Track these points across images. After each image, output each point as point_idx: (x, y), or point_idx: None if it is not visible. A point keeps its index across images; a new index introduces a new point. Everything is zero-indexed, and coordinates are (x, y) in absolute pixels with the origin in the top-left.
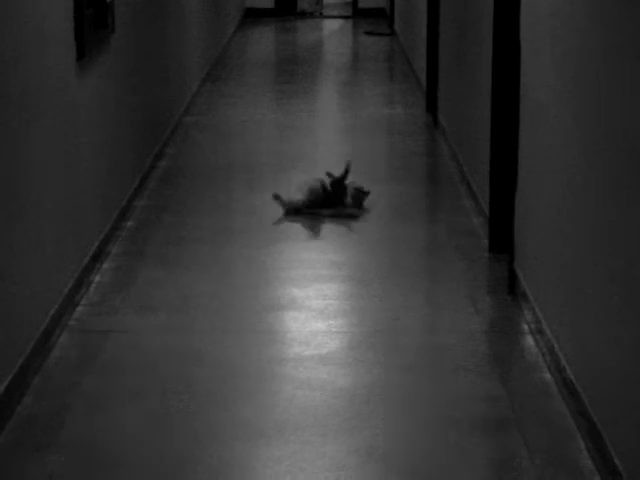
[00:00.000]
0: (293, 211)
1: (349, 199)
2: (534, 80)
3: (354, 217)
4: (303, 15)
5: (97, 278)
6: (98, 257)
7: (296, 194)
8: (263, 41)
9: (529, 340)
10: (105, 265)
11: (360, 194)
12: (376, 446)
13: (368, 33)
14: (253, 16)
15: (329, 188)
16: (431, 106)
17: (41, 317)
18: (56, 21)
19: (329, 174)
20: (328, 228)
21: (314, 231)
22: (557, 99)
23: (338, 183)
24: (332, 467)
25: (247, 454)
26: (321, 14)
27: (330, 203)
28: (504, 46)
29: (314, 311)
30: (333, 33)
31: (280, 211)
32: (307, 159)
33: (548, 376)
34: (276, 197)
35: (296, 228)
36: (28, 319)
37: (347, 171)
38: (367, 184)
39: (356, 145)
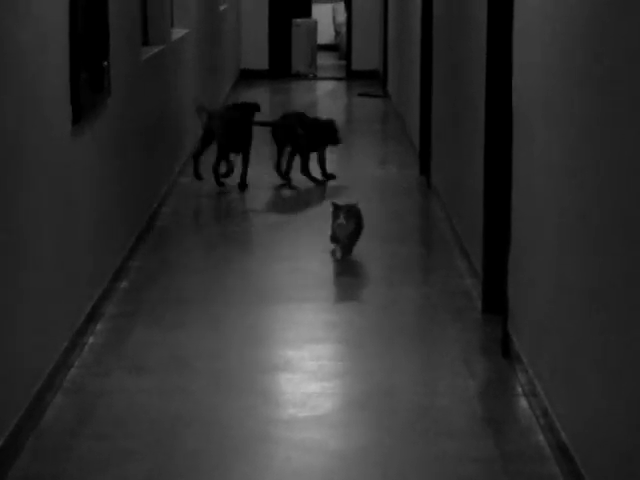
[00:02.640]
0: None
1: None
2: (526, 143)
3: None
4: (297, 77)
5: (91, 339)
6: (92, 318)
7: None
8: (258, 101)
9: (523, 402)
10: (99, 326)
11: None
12: None
13: (362, 95)
14: (248, 77)
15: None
16: (424, 168)
17: (35, 378)
18: (52, 84)
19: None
20: (321, 288)
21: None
22: (550, 161)
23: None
24: None
25: None
26: (315, 76)
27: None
28: (497, 109)
29: (308, 372)
30: (327, 94)
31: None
32: (300, 218)
33: (542, 438)
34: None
35: (289, 289)
36: (22, 380)
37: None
38: (360, 244)
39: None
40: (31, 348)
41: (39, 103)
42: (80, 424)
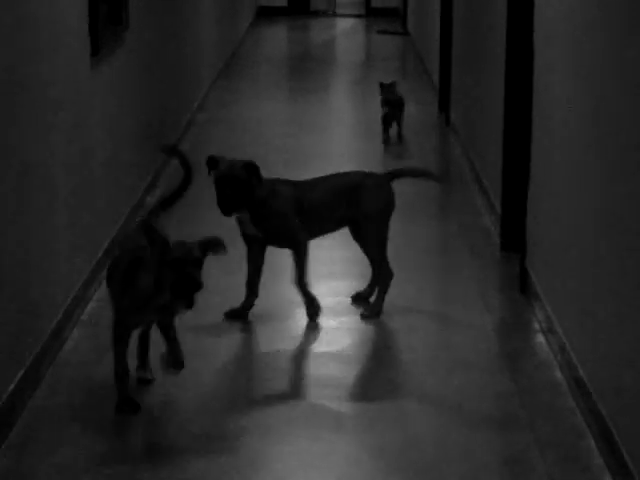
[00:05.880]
0: None
1: None
2: (547, 78)
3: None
4: (316, 14)
5: None
6: (110, 253)
7: None
8: (276, 39)
9: (540, 338)
10: None
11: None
12: (387, 442)
13: (381, 32)
14: (266, 14)
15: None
16: (443, 105)
17: (54, 311)
18: (71, 17)
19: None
20: None
21: None
22: (570, 96)
23: None
24: (343, 463)
25: (258, 450)
26: (334, 13)
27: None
28: (517, 45)
29: (326, 308)
30: (346, 32)
31: None
32: (320, 156)
33: (559, 374)
34: None
35: None
36: (41, 313)
37: None
38: None
39: (368, 143)
40: (50, 281)
41: (58, 35)
42: (97, 357)
